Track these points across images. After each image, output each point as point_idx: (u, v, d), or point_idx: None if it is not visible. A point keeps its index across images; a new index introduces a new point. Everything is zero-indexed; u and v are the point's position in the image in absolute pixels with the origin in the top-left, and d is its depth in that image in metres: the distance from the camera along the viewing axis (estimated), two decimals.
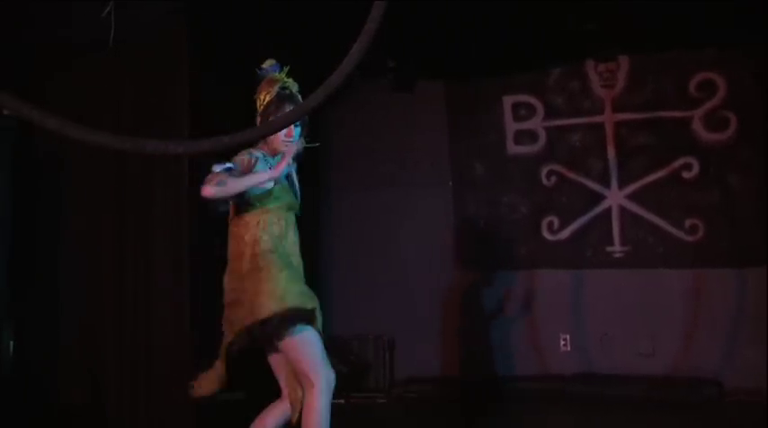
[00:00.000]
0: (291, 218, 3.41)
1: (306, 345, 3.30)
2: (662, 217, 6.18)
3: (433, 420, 5.72)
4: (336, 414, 6.25)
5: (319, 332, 3.37)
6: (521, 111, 6.55)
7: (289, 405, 3.54)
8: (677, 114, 6.16)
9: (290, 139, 3.27)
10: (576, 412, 5.59)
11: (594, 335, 6.21)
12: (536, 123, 6.51)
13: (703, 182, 6.09)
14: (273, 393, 6.06)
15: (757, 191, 5.97)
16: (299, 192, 3.52)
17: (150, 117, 4.79)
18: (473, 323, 6.44)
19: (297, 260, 3.44)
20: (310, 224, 6.91)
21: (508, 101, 6.57)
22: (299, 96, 3.33)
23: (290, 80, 3.36)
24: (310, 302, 3.33)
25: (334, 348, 6.47)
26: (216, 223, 5.72)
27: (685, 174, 6.13)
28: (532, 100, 6.53)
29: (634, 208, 6.26)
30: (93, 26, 4.28)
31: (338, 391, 6.47)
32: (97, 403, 4.80)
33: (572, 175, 6.41)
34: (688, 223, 6.11)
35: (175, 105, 4.77)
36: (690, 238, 6.11)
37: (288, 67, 3.38)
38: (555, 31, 5.74)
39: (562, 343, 6.29)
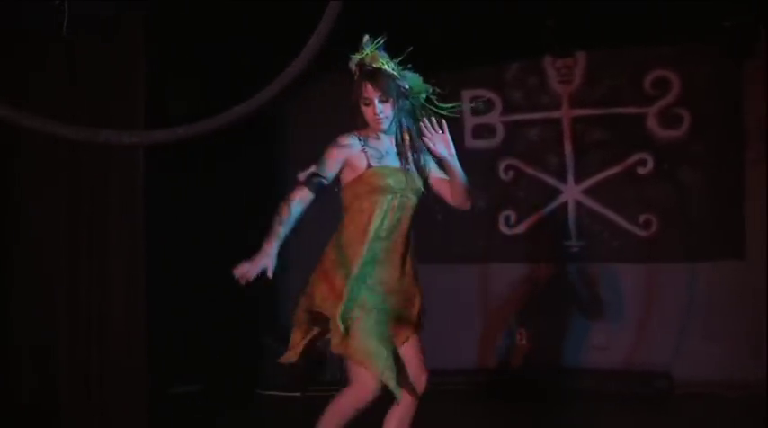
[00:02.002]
0: (386, 203, 3.20)
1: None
2: (617, 212, 6.27)
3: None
4: (292, 407, 6.27)
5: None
6: (479, 106, 6.58)
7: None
8: (632, 111, 6.24)
9: (377, 117, 3.16)
10: (531, 404, 5.64)
11: (551, 329, 6.27)
12: (494, 118, 6.55)
13: (657, 178, 6.19)
14: (229, 385, 6.06)
15: (709, 187, 6.09)
16: (417, 173, 3.26)
17: (105, 109, 4.71)
18: (429, 316, 6.45)
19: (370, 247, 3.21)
20: (268, 216, 6.89)
21: (466, 95, 6.60)
22: (389, 68, 3.20)
23: (372, 52, 3.22)
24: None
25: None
26: (172, 216, 5.68)
27: (640, 170, 6.22)
28: (491, 94, 6.56)
29: (590, 203, 6.34)
30: (46, 15, 4.20)
31: (294, 385, 6.50)
32: (48, 398, 4.73)
33: (529, 170, 6.46)
34: (642, 218, 6.21)
35: (131, 97, 4.71)
36: (644, 233, 6.20)
37: (375, 41, 3.24)
38: (513, 26, 5.78)
39: (518, 336, 6.35)
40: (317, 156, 7.44)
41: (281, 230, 3.22)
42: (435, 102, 3.28)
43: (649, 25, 5.75)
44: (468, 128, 6.58)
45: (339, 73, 6.31)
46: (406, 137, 3.23)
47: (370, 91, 3.16)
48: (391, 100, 3.15)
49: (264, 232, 6.66)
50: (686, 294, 6.03)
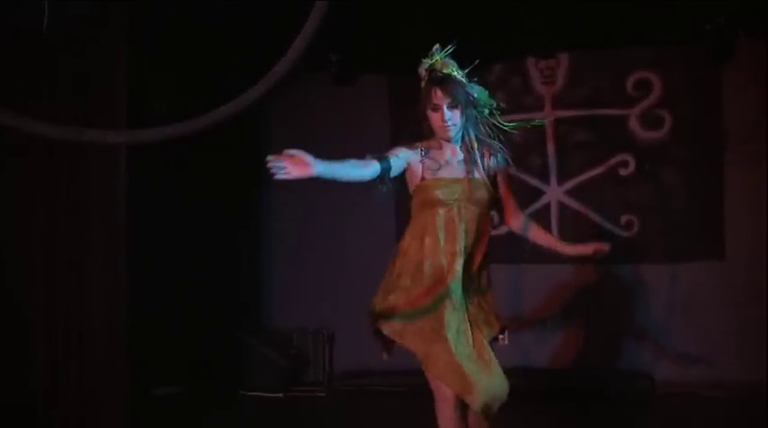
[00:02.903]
0: (440, 217, 3.15)
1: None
2: (599, 212, 6.30)
3: (372, 414, 5.73)
4: (275, 408, 6.26)
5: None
6: None
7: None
8: (615, 112, 6.28)
9: (445, 124, 3.10)
10: (513, 405, 5.65)
11: (533, 329, 6.29)
12: None
13: (639, 179, 6.23)
14: (213, 386, 6.05)
15: (689, 188, 6.14)
16: (482, 179, 3.21)
17: (87, 108, 4.68)
18: None
19: (439, 261, 3.14)
20: (251, 217, 6.89)
21: None
22: (457, 75, 3.15)
23: (441, 58, 3.17)
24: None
25: (274, 341, 6.48)
26: (154, 216, 5.65)
27: (622, 171, 6.25)
28: None
29: (572, 203, 6.36)
30: (27, 13, 4.17)
31: (277, 385, 6.49)
32: (28, 398, 4.69)
33: (512, 171, 6.46)
34: (624, 219, 6.24)
35: (114, 95, 4.68)
36: (625, 234, 6.24)
37: (444, 49, 3.20)
38: (496, 27, 5.79)
39: (500, 336, 6.34)
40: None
41: (336, 163, 2.90)
42: (498, 118, 3.27)
43: (631, 27, 5.78)
44: None
45: (323, 73, 6.37)
46: (473, 146, 3.19)
47: (439, 97, 3.10)
48: (460, 107, 3.11)
49: (246, 233, 6.69)
50: (667, 294, 6.07)
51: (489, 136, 3.24)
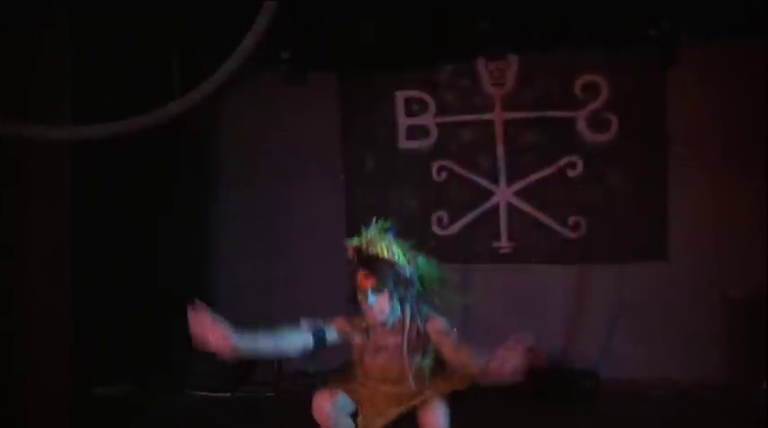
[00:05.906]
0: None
1: None
2: (547, 213, 6.37)
3: None
4: (223, 408, 6.21)
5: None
6: (413, 107, 6.61)
7: None
8: (563, 114, 6.34)
9: (370, 309, 2.91)
10: (461, 405, 5.68)
11: (481, 330, 6.32)
12: (428, 119, 6.58)
13: (586, 180, 6.30)
14: (158, 386, 5.97)
15: (635, 190, 6.24)
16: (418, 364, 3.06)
17: (28, 101, 4.58)
18: None
19: None
20: (199, 214, 6.82)
21: (401, 96, 6.62)
22: (387, 255, 2.96)
23: (368, 237, 3.01)
24: None
25: None
26: (100, 213, 5.56)
27: (570, 173, 6.32)
28: (425, 95, 6.60)
29: (521, 204, 6.42)
30: None
31: (225, 385, 6.42)
32: None
33: (462, 171, 6.51)
34: (572, 220, 6.32)
35: (57, 89, 4.59)
36: (573, 235, 6.31)
37: (379, 225, 3.03)
38: (447, 28, 5.82)
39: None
40: (248, 152, 7.30)
41: (259, 337, 3.03)
42: (448, 292, 3.15)
43: (579, 31, 5.85)
44: (401, 128, 6.61)
45: (273, 71, 6.32)
46: (412, 331, 2.99)
47: (362, 280, 2.91)
48: (387, 291, 2.90)
49: (194, 229, 6.51)
50: (613, 294, 6.16)
51: (432, 308, 3.07)
